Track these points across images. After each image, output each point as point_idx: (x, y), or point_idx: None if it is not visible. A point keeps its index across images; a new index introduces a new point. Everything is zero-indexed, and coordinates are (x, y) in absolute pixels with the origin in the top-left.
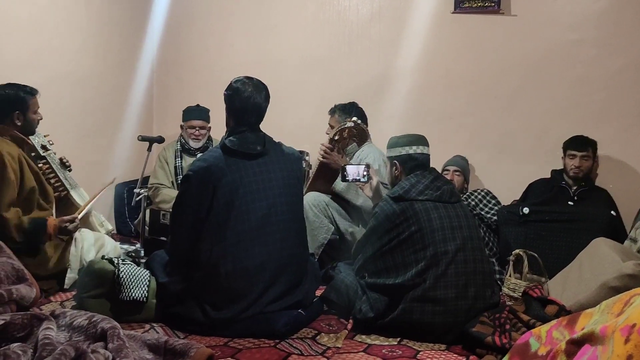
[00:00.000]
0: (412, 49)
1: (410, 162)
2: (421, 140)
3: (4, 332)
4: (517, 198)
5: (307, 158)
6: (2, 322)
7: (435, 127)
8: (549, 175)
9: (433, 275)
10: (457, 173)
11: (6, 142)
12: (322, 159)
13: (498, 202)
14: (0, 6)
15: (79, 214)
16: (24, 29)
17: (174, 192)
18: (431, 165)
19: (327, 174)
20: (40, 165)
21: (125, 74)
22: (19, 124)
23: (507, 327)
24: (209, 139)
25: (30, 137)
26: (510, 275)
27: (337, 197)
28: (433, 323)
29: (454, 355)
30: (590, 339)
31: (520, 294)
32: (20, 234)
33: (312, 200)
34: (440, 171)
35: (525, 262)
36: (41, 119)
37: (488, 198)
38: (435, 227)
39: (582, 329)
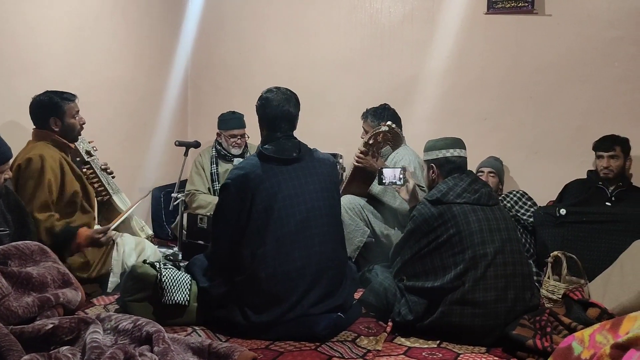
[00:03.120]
0: (445, 50)
1: (448, 165)
2: (458, 143)
3: (53, 335)
4: (553, 199)
5: (340, 161)
6: (51, 325)
7: (469, 129)
8: (585, 176)
9: (472, 277)
10: (492, 174)
11: (48, 146)
12: (356, 164)
13: (534, 204)
14: (43, 16)
15: (112, 224)
16: (65, 37)
17: (210, 198)
18: (467, 168)
19: (362, 177)
20: (84, 170)
21: (160, 79)
22: (56, 129)
23: (548, 330)
24: (246, 144)
25: (75, 143)
26: (548, 277)
27: (373, 200)
28: (473, 326)
29: (495, 357)
30: (636, 343)
31: (560, 297)
32: (49, 237)
33: (348, 203)
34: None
35: (564, 264)
36: (84, 123)
37: (524, 199)
38: (474, 229)
39: (626, 333)
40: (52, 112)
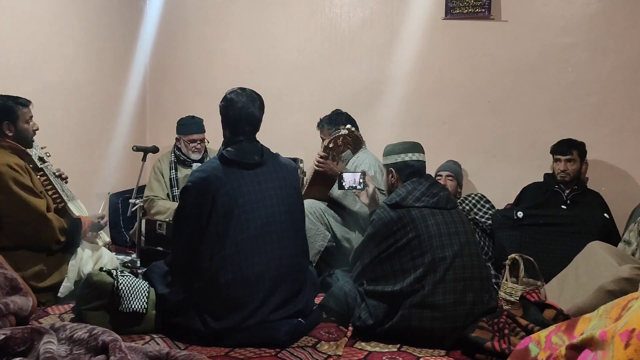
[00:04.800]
0: (404, 55)
1: (407, 170)
2: (417, 147)
3: (5, 346)
4: (511, 202)
5: (301, 165)
6: (3, 336)
7: (428, 132)
8: (542, 179)
9: (431, 281)
10: (450, 178)
11: (8, 153)
12: (317, 168)
13: (492, 207)
14: None
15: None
16: (16, 39)
17: (169, 204)
18: (426, 172)
19: (323, 181)
20: (38, 176)
21: (118, 83)
22: (10, 134)
23: (506, 332)
24: (205, 149)
25: (28, 149)
26: (506, 280)
27: (333, 204)
28: (432, 329)
29: None
30: (590, 344)
31: (517, 299)
32: (64, 235)
33: (308, 207)
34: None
35: (521, 266)
36: (37, 129)
37: (482, 202)
38: (433, 233)
39: (581, 334)
40: (6, 116)
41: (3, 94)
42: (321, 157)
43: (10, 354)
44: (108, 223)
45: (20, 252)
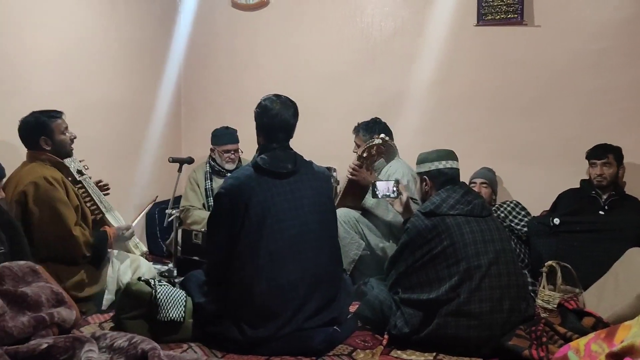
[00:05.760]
0: (436, 62)
1: (440, 177)
2: (450, 155)
3: (48, 355)
4: (547, 209)
5: (334, 174)
6: (46, 345)
7: (461, 140)
8: (578, 185)
9: (467, 289)
10: (485, 185)
11: (47, 167)
12: (350, 177)
13: (528, 214)
14: (36, 37)
15: (132, 222)
16: (56, 58)
17: (205, 214)
18: (460, 179)
19: (356, 190)
20: (77, 188)
21: (153, 97)
22: (48, 148)
23: (544, 340)
24: (239, 160)
25: (67, 162)
26: (543, 287)
27: (367, 213)
28: (468, 337)
29: None
30: (630, 351)
31: (555, 306)
32: (88, 248)
33: (343, 216)
34: (467, 184)
35: (559, 274)
36: (74, 137)
37: (517, 209)
38: (468, 241)
39: (621, 341)
40: (41, 132)
41: (35, 110)
42: (355, 165)
43: None
44: (134, 233)
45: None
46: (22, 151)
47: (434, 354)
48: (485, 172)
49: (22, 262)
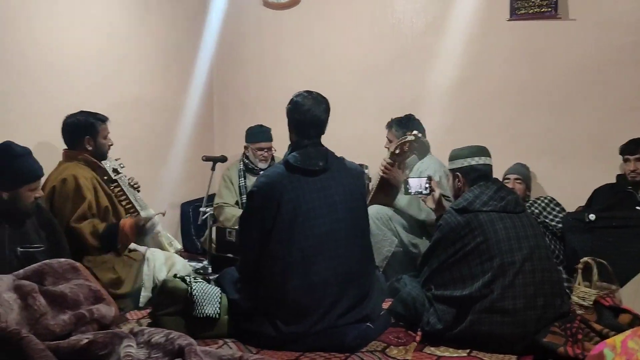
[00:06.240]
0: (469, 58)
1: (473, 174)
2: (483, 151)
3: (88, 350)
4: (582, 204)
5: (366, 171)
6: (86, 340)
7: (495, 136)
8: (613, 180)
9: (500, 285)
10: (518, 181)
11: (80, 166)
12: (383, 175)
13: (562, 209)
14: (73, 38)
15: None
16: (92, 58)
17: (236, 211)
18: (493, 175)
19: (388, 188)
20: (112, 187)
21: (186, 96)
22: (90, 148)
23: (580, 337)
24: (272, 158)
25: (103, 162)
26: (579, 284)
27: (400, 210)
28: (502, 334)
29: None
30: None
31: (591, 303)
32: (96, 239)
33: (375, 213)
34: (501, 180)
35: (595, 270)
36: (112, 144)
37: (552, 205)
38: (501, 237)
39: None
40: (87, 132)
41: (82, 110)
42: (388, 163)
43: (93, 357)
44: (155, 226)
45: (100, 260)
46: (60, 151)
47: (468, 350)
48: (519, 168)
49: (62, 260)
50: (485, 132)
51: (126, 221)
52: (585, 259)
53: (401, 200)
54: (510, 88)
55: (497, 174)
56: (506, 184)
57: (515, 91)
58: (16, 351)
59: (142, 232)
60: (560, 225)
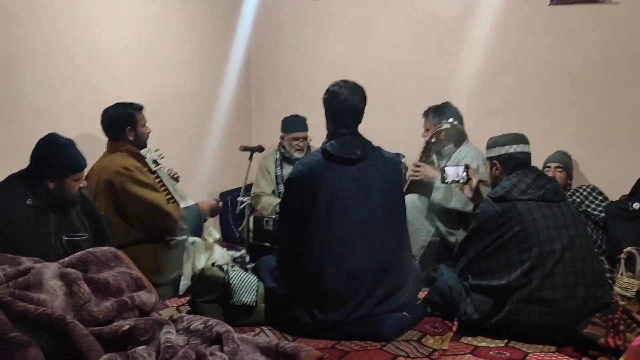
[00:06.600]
0: (508, 44)
1: (511, 162)
2: (521, 139)
3: (130, 336)
4: (626, 193)
5: (403, 160)
6: (128, 326)
7: (535, 124)
8: None
9: (539, 275)
10: (559, 169)
11: (127, 157)
12: (413, 178)
13: (605, 198)
14: (113, 33)
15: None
16: (132, 50)
17: (273, 200)
18: (532, 164)
19: (421, 187)
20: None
21: (223, 87)
22: (131, 138)
23: (621, 328)
24: (308, 147)
25: (143, 152)
26: (622, 274)
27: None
28: (541, 324)
29: (565, 357)
30: None
31: (634, 294)
32: (183, 222)
33: (412, 202)
34: (541, 168)
35: (638, 260)
36: (150, 132)
37: (594, 194)
38: (540, 226)
39: None
40: (127, 122)
41: (117, 102)
42: (415, 165)
43: (134, 342)
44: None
45: (142, 249)
46: (103, 142)
47: (505, 341)
48: (560, 156)
49: (105, 248)
50: (525, 120)
51: (202, 204)
52: (629, 248)
53: (436, 195)
54: (551, 74)
55: (537, 162)
56: (546, 173)
57: (557, 77)
58: (61, 336)
59: (217, 212)
60: (602, 214)
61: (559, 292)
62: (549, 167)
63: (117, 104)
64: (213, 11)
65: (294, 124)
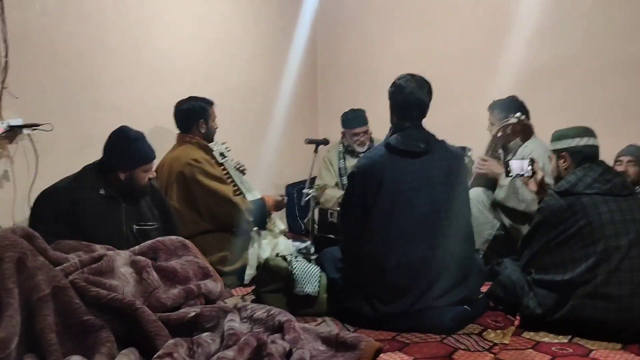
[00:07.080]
0: (580, 34)
1: (578, 155)
2: (589, 132)
3: (196, 322)
4: None
5: (469, 154)
6: (194, 313)
7: (607, 116)
8: None
9: (605, 270)
10: (631, 163)
11: (195, 148)
12: (479, 171)
13: None
14: (182, 27)
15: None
16: (202, 46)
17: (336, 192)
18: (602, 158)
19: (486, 180)
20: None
21: (291, 81)
22: (202, 131)
23: None
24: (370, 139)
25: (210, 145)
26: None
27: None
28: (607, 320)
29: (632, 355)
30: None
31: None
32: (250, 214)
33: (478, 196)
34: (613, 162)
35: None
36: (217, 127)
37: None
38: (605, 221)
39: None
40: (200, 116)
41: (191, 95)
42: (482, 159)
43: (200, 329)
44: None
45: (209, 239)
46: (172, 135)
47: (569, 337)
48: (634, 150)
49: (173, 237)
50: (595, 112)
51: (267, 198)
52: None
53: (499, 193)
54: (625, 65)
55: (609, 155)
56: (617, 167)
57: (630, 68)
58: (131, 321)
59: (281, 206)
60: None
61: (625, 288)
62: (620, 160)
63: (191, 97)
64: (281, 4)
65: (353, 120)
